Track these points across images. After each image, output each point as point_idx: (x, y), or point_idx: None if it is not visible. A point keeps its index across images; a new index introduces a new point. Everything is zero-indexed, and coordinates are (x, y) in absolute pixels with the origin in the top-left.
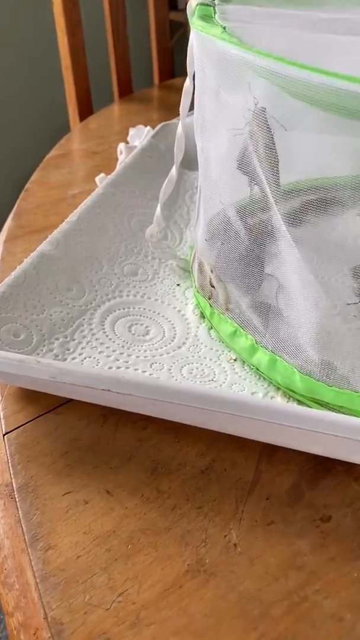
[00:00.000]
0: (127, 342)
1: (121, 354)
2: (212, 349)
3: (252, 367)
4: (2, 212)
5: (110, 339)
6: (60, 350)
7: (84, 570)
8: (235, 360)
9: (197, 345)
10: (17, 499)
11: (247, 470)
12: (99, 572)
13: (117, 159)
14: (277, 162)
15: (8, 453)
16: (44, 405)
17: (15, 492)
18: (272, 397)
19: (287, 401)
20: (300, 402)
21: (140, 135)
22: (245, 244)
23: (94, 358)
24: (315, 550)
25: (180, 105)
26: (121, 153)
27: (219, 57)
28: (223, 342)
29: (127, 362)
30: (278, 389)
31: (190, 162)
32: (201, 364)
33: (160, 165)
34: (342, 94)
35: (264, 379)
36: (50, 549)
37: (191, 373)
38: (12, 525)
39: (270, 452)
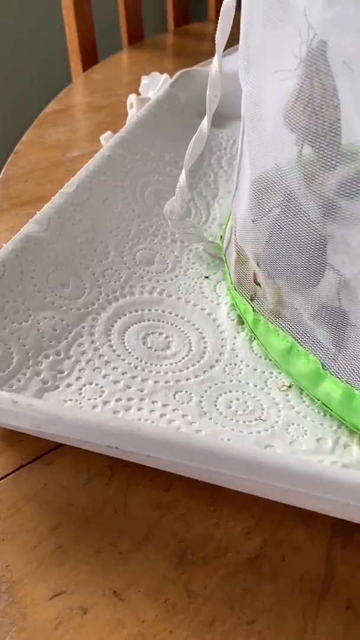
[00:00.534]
0: (141, 360)
1: (133, 377)
2: (256, 369)
3: (315, 399)
4: None
5: (118, 356)
6: (51, 375)
7: None
8: (289, 387)
9: (235, 365)
10: None
11: (316, 559)
12: None
13: (126, 114)
14: (339, 114)
15: None
16: (27, 449)
17: None
18: (345, 446)
19: None
20: None
21: (154, 85)
22: (314, 225)
23: (97, 385)
24: None
25: (217, 31)
26: (132, 106)
27: None
28: (271, 360)
29: (141, 390)
30: (353, 432)
31: (215, 116)
32: (243, 393)
33: (180, 120)
34: None
35: (332, 416)
36: None
37: (230, 407)
38: None
39: (346, 530)
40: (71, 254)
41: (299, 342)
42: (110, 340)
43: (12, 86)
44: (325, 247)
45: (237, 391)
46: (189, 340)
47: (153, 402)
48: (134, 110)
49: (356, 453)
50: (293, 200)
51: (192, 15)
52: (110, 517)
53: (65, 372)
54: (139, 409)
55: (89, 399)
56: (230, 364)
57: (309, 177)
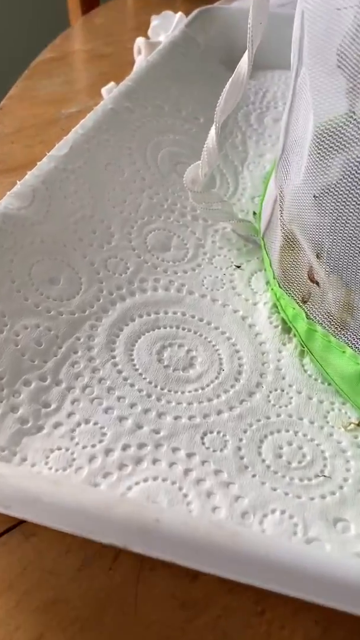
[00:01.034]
0: (156, 386)
1: (146, 412)
2: (310, 398)
3: None
4: None
5: (125, 380)
6: (32, 410)
7: None
8: (359, 425)
9: (282, 391)
10: None
11: None
12: None
13: (132, 63)
14: None
15: None
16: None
17: None
18: None
19: None
20: None
21: (167, 26)
22: None
23: (96, 425)
24: None
25: None
26: (140, 52)
27: None
28: (333, 385)
29: (157, 432)
30: None
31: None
32: (296, 434)
33: (199, 67)
34: None
35: None
36: None
37: (280, 457)
38: None
39: None
40: (62, 238)
41: None
42: (114, 357)
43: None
44: None
45: (287, 431)
46: (219, 355)
47: (174, 449)
48: (142, 56)
49: None
50: None
51: None
52: (116, 621)
53: (53, 406)
54: (155, 462)
55: (84, 447)
56: (276, 390)
57: None
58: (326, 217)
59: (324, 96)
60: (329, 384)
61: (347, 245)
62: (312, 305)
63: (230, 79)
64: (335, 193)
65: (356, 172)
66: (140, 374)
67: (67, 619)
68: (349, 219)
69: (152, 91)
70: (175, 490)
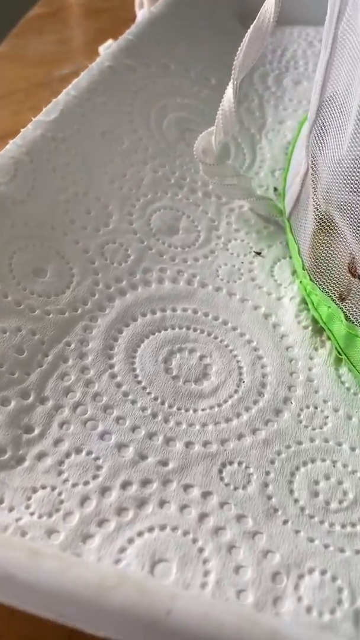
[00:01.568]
0: (162, 402)
1: (151, 437)
2: (350, 417)
3: None
4: None
5: (125, 395)
6: (10, 437)
7: None
8: None
9: (316, 409)
10: None
11: None
12: None
13: (133, 19)
14: None
15: None
16: None
17: None
18: None
19: None
20: None
21: None
22: None
23: (89, 455)
24: None
25: None
26: (142, 6)
27: None
28: None
29: (165, 464)
30: None
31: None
32: (334, 465)
33: (210, 21)
34: None
35: None
36: None
37: (316, 496)
38: None
39: None
40: (50, 220)
41: None
42: (112, 367)
43: None
44: None
45: (323, 460)
46: (238, 362)
47: (185, 487)
48: (144, 9)
49: None
50: None
51: None
52: None
53: (36, 431)
54: (162, 504)
55: (74, 485)
56: (308, 407)
57: None
58: None
59: None
60: None
61: None
62: (353, 304)
63: (251, 26)
64: None
65: None
66: (144, 388)
67: None
68: None
69: (156, 47)
70: (189, 544)
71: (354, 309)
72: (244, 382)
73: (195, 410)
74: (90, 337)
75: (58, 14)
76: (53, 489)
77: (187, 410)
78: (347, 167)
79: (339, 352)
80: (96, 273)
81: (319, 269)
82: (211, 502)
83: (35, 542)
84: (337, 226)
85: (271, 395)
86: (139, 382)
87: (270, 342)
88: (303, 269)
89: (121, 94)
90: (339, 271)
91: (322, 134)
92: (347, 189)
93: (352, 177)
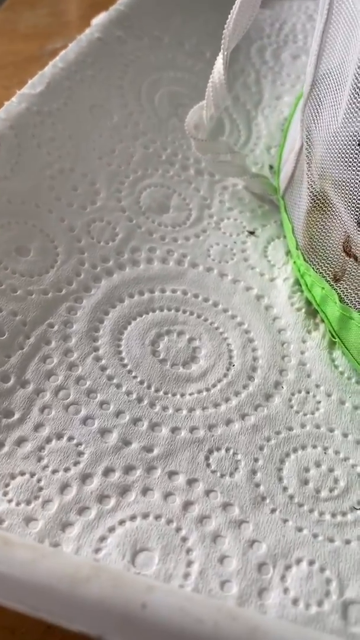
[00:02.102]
0: (148, 386)
1: (136, 422)
2: (343, 402)
3: None
4: None
5: (109, 379)
6: None
7: None
8: None
9: (308, 394)
10: None
11: None
12: None
13: None
14: None
15: None
16: None
17: None
18: None
19: None
20: None
21: None
22: None
23: (71, 440)
24: None
25: None
26: None
27: None
28: None
29: (149, 450)
30: None
31: None
32: (325, 452)
33: None
34: None
35: None
36: None
37: (306, 483)
38: None
39: None
40: (35, 197)
41: None
42: (97, 350)
43: None
44: None
45: (314, 447)
46: (228, 345)
47: (170, 474)
48: None
49: None
50: None
51: None
52: None
53: (16, 415)
54: (145, 492)
55: (54, 472)
56: (300, 392)
57: None
58: None
59: None
60: None
61: None
62: (348, 285)
63: None
64: None
65: None
66: (130, 372)
67: None
68: None
69: (149, 18)
70: (172, 533)
71: (349, 290)
72: (233, 365)
73: (182, 395)
74: (74, 318)
75: None
76: (32, 475)
77: (174, 394)
78: (342, 142)
79: (332, 335)
80: (82, 252)
81: (313, 248)
82: (197, 489)
83: (13, 531)
84: (331, 204)
85: (262, 379)
86: (125, 366)
87: (262, 324)
88: (297, 249)
89: (111, 66)
90: (333, 251)
91: (317, 107)
92: (343, 165)
93: (348, 153)
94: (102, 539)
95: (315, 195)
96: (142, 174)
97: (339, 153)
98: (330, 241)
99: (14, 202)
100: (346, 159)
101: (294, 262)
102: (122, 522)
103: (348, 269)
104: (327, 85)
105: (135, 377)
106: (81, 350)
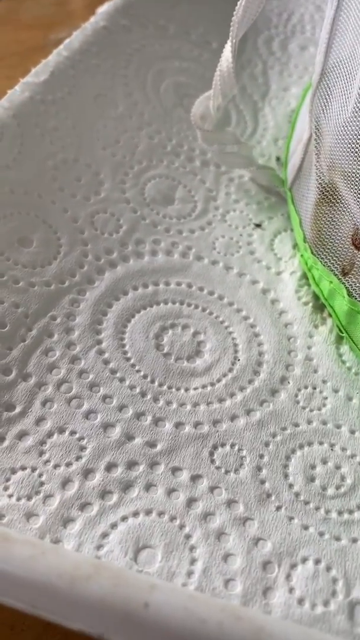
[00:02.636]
0: (151, 380)
1: (139, 416)
2: (351, 399)
3: None
4: None
5: (113, 373)
6: None
7: None
8: None
9: (315, 389)
10: None
11: None
12: None
13: None
14: None
15: None
16: None
17: None
18: None
19: None
20: None
21: None
22: None
23: (73, 435)
24: None
25: None
26: None
27: None
28: None
29: (153, 445)
30: None
31: None
32: (332, 448)
33: None
34: None
35: None
36: None
37: (312, 480)
38: None
39: None
40: (37, 187)
41: None
42: (100, 343)
43: None
44: None
45: (321, 443)
46: (233, 340)
47: (174, 470)
48: None
49: None
50: None
51: None
52: None
53: (18, 409)
54: (149, 488)
55: (56, 466)
56: (307, 388)
57: None
58: None
59: None
60: None
61: None
62: (357, 278)
63: None
64: None
65: None
66: (133, 365)
67: None
68: None
69: (154, 7)
70: (175, 530)
71: (358, 284)
72: (239, 360)
73: (186, 390)
74: (77, 311)
75: None
76: (33, 470)
77: (178, 389)
78: (353, 133)
79: (340, 330)
80: (85, 244)
81: (321, 241)
82: (200, 486)
83: (13, 526)
84: (340, 196)
85: (267, 374)
86: (128, 359)
87: (268, 318)
88: (304, 242)
89: (116, 55)
90: (342, 244)
91: (327, 98)
92: (352, 157)
93: (358, 144)
94: (104, 535)
95: (324, 187)
96: (147, 165)
97: (349, 144)
98: (339, 234)
99: (16, 192)
100: (356, 150)
101: (301, 256)
102: (124, 519)
103: (357, 262)
104: (337, 76)
105: (138, 371)
106: (84, 344)
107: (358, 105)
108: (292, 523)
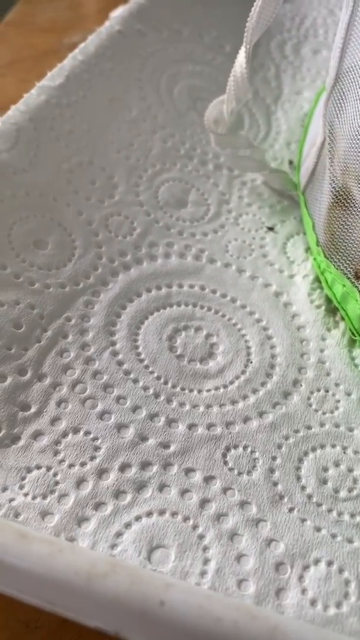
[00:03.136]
0: (165, 382)
1: (152, 417)
2: None
3: None
4: None
5: (126, 374)
6: (5, 414)
7: None
8: None
9: (327, 392)
10: None
11: None
12: None
13: None
14: None
15: None
16: None
17: None
18: None
19: None
20: None
21: None
22: None
23: (87, 435)
24: None
25: None
26: None
27: None
28: None
29: (166, 446)
30: None
31: None
32: (344, 451)
33: None
34: None
35: None
36: None
37: (325, 482)
38: None
39: None
40: (53, 190)
41: None
42: (114, 344)
43: None
44: None
45: (333, 446)
46: (246, 342)
47: (187, 471)
48: None
49: None
50: None
51: None
52: None
53: (33, 409)
54: (162, 488)
55: (71, 466)
56: (319, 391)
57: None
58: None
59: None
60: None
61: None
62: None
63: None
64: None
65: None
66: (147, 367)
67: None
68: None
69: (168, 11)
70: (189, 530)
71: None
72: (251, 362)
73: (199, 391)
74: (91, 312)
75: None
76: (48, 469)
77: (191, 390)
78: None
79: (353, 333)
80: (99, 246)
81: (334, 245)
82: (213, 487)
83: (28, 524)
84: (354, 200)
85: (280, 377)
86: (142, 361)
87: (280, 321)
88: (317, 245)
89: (130, 59)
90: (355, 247)
91: (341, 101)
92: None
93: None
94: (118, 534)
95: (337, 191)
96: (161, 168)
97: None
98: (352, 238)
99: (32, 195)
100: None
101: (314, 259)
102: (138, 518)
103: None
104: (352, 79)
105: (152, 372)
106: (98, 345)
107: None
108: (304, 525)
